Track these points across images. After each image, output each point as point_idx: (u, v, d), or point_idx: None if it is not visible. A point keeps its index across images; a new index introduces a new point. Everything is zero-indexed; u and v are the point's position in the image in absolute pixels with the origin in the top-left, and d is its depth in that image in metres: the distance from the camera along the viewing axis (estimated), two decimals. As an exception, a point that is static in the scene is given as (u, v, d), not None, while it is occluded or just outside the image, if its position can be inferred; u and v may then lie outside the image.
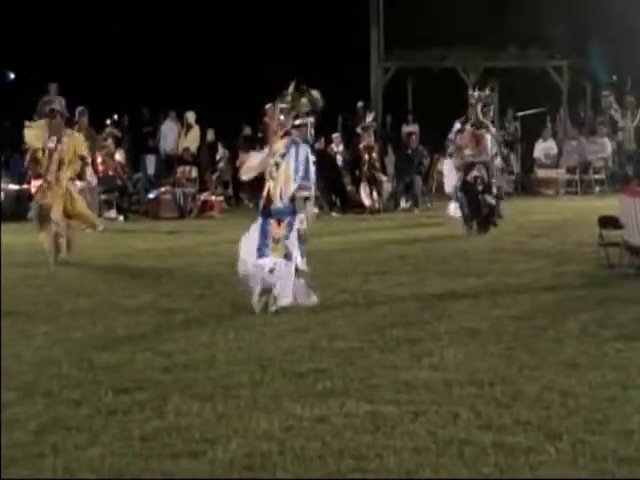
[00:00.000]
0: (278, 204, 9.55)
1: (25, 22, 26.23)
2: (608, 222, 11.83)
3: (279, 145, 9.70)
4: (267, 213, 9.59)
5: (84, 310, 9.59)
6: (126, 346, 7.93)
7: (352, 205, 20.71)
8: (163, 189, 20.70)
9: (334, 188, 20.77)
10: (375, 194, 20.65)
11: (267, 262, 9.38)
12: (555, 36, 24.53)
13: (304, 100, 9.80)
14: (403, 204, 21.02)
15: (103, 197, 19.67)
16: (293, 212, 9.57)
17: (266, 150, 10.08)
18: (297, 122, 9.72)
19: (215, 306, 9.61)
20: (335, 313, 9.14)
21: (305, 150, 9.71)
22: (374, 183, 20.69)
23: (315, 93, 9.89)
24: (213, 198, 20.76)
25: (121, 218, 19.91)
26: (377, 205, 20.51)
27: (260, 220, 9.60)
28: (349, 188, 21.12)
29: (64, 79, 22.47)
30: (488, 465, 5.08)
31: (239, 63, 26.33)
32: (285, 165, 9.56)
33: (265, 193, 9.67)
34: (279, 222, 9.52)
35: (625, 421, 5.76)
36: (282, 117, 9.89)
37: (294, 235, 9.54)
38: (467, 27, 24.64)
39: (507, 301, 9.60)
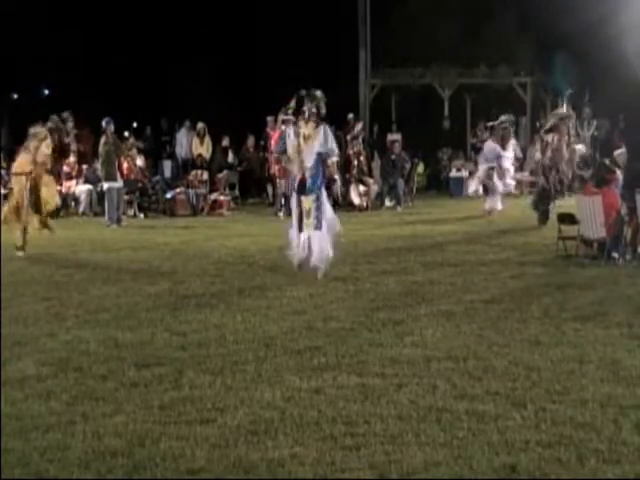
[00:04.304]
0: (309, 181, 10.25)
1: (59, 45, 26.25)
2: (566, 218, 11.85)
3: (309, 130, 10.31)
4: (301, 190, 10.32)
5: (110, 295, 9.57)
6: (147, 327, 7.91)
7: (344, 204, 20.65)
8: (178, 190, 20.62)
9: (327, 188, 20.69)
10: (363, 194, 20.61)
11: (304, 236, 10.25)
12: (520, 56, 24.49)
13: (309, 105, 10.22)
14: (388, 203, 20.94)
15: (126, 197, 19.61)
16: (320, 187, 10.36)
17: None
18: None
19: (224, 292, 9.59)
20: (329, 298, 9.13)
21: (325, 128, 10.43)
22: (362, 184, 20.66)
23: (318, 93, 10.32)
24: (222, 198, 20.67)
25: (142, 216, 19.84)
26: (365, 204, 20.46)
27: (295, 197, 10.41)
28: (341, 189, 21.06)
29: (99, 96, 22.69)
30: (462, 430, 5.09)
31: (244, 83, 26.58)
32: (311, 143, 10.30)
33: (300, 175, 10.32)
34: (306, 196, 10.29)
35: (581, 391, 5.76)
36: (283, 127, 10.20)
37: (324, 207, 10.33)
38: (443, 48, 24.68)
39: (478, 287, 9.60)
